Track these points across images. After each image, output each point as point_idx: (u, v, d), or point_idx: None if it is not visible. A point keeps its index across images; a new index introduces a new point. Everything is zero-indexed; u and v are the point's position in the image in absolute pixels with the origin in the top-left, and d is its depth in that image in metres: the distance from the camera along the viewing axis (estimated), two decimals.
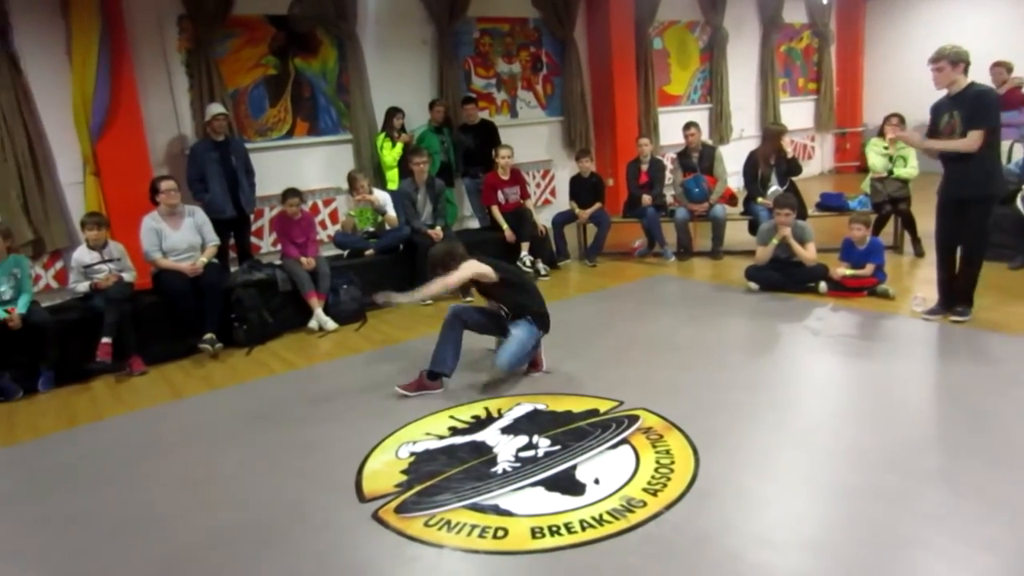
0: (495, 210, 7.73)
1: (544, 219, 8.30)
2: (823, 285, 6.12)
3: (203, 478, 3.76)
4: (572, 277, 7.69)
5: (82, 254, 5.65)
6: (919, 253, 7.17)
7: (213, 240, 6.19)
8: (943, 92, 5.03)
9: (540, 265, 7.64)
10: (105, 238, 5.72)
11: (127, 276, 5.74)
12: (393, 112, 8.12)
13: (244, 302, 6.03)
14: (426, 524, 3.09)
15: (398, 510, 3.23)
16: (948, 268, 5.25)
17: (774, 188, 7.43)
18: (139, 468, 3.92)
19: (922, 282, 6.14)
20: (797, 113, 13.69)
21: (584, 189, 8.14)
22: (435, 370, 4.59)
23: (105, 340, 5.32)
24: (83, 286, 5.60)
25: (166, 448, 4.19)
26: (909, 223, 7.29)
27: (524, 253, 7.61)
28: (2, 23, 6.41)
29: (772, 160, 7.57)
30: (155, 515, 3.37)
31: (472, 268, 4.66)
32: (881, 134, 7.46)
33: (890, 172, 7.23)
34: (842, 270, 6.08)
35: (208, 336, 5.78)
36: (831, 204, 7.86)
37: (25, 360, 5.28)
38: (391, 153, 8.05)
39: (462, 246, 4.90)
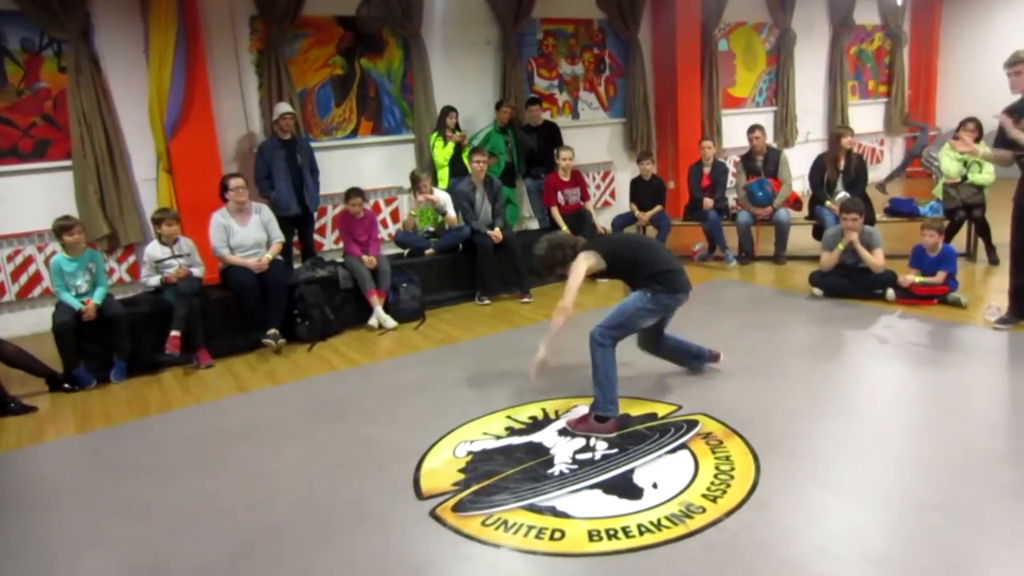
0: (555, 211, 7.73)
1: (604, 221, 8.26)
2: (891, 292, 5.95)
3: (265, 472, 3.85)
4: None
5: (154, 249, 5.83)
6: (994, 261, 6.92)
7: (279, 237, 6.32)
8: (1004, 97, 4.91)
9: None
10: (176, 234, 5.89)
11: (196, 271, 5.89)
12: (447, 111, 8.11)
13: (307, 299, 6.14)
14: (483, 523, 3.11)
15: (456, 508, 3.25)
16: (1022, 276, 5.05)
17: (841, 192, 7.25)
18: (205, 460, 4.03)
19: (997, 291, 5.91)
20: (867, 116, 13.34)
21: (645, 191, 8.08)
22: (607, 414, 3.95)
23: (174, 333, 5.47)
24: (154, 280, 5.77)
25: (230, 441, 4.29)
26: (984, 230, 7.03)
27: None
28: (85, 24, 6.67)
29: (841, 164, 7.39)
30: (219, 507, 3.45)
31: (584, 264, 4.05)
32: (956, 138, 7.20)
33: (965, 177, 6.99)
34: (912, 277, 5.90)
35: (272, 331, 5.90)
36: (901, 209, 7.65)
37: (100, 351, 5.48)
38: (443, 152, 8.07)
39: (563, 233, 4.23)
